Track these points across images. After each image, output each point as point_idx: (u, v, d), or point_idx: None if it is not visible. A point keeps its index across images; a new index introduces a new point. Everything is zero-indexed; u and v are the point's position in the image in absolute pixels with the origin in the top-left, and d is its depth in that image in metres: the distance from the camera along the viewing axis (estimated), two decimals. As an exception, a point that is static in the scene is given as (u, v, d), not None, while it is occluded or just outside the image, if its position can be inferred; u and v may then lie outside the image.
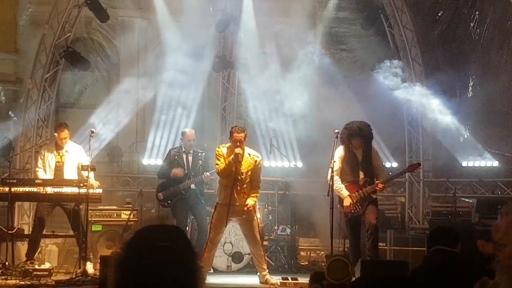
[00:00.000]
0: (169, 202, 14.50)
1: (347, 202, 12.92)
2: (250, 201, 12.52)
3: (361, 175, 13.05)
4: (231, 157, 12.32)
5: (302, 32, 18.05)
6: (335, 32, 18.57)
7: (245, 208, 12.49)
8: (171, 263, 2.68)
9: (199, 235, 14.31)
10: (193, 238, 14.24)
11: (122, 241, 2.83)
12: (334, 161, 12.93)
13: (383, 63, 18.01)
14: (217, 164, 12.54)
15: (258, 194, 12.88)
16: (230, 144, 12.58)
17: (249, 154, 12.63)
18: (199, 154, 14.46)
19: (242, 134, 12.46)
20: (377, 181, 13.05)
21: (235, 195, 12.40)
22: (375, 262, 13.29)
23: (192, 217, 14.77)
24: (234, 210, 12.40)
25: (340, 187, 13.02)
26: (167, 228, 2.88)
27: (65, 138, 13.89)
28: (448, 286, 5.85)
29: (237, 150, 12.28)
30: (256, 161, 12.63)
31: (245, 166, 12.47)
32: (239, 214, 12.54)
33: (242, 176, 12.44)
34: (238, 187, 12.44)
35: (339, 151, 13.23)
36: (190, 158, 14.46)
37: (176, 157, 14.57)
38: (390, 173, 18.37)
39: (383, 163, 13.50)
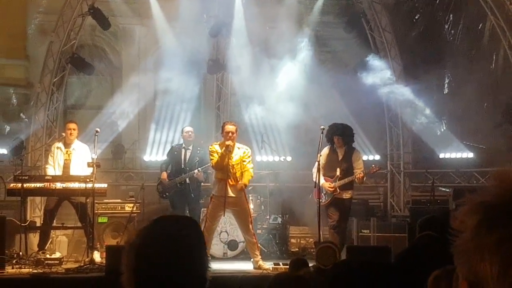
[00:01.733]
0: (166, 194, 14.59)
1: (325, 186, 13.41)
2: (244, 179, 12.72)
3: (337, 172, 13.33)
4: (223, 149, 12.49)
5: (290, 36, 18.12)
6: (320, 35, 18.67)
7: (239, 187, 12.65)
8: (185, 252, 2.74)
9: None
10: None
11: (137, 230, 2.88)
12: (320, 155, 13.19)
13: (364, 63, 18.15)
14: (212, 159, 12.73)
15: (251, 174, 13.01)
16: (222, 139, 12.75)
17: (239, 148, 12.84)
18: (198, 151, 14.51)
19: (233, 127, 12.69)
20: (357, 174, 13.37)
21: (229, 187, 12.52)
22: (360, 248, 13.49)
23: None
24: (228, 201, 12.47)
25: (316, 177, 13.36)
26: (182, 219, 2.96)
27: (73, 130, 13.98)
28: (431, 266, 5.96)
29: (228, 142, 12.48)
30: (244, 152, 12.84)
31: (236, 159, 12.65)
32: (233, 205, 12.66)
33: (234, 169, 12.62)
34: (231, 180, 12.59)
35: (325, 150, 13.66)
36: (188, 154, 14.49)
37: (175, 152, 14.69)
38: (373, 165, 18.66)
39: (361, 164, 13.65)
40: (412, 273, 5.13)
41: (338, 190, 13.39)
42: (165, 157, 15.64)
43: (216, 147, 12.74)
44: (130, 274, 2.70)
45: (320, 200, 13.43)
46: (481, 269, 1.71)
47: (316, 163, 13.16)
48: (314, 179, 13.43)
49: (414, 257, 6.21)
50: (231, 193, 12.55)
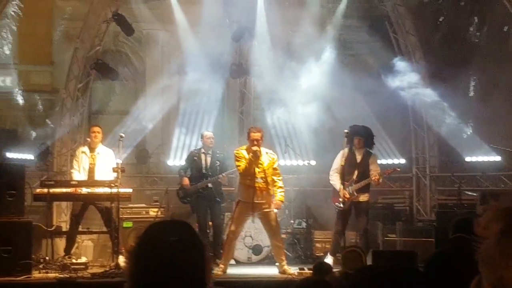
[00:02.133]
0: (188, 199, 14.57)
1: (340, 193, 13.51)
2: (279, 196, 12.66)
3: (355, 175, 13.36)
4: (250, 155, 12.39)
5: (312, 39, 18.09)
6: (343, 39, 18.61)
7: (276, 206, 12.67)
8: (179, 256, 2.76)
9: (214, 232, 14.45)
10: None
11: (135, 236, 2.89)
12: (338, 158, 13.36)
13: (388, 66, 18.08)
14: (238, 165, 12.59)
15: (283, 189, 12.92)
16: (248, 144, 12.65)
17: (266, 153, 12.73)
18: (217, 155, 14.49)
19: (259, 134, 12.56)
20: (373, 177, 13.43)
21: (257, 192, 12.43)
22: (386, 252, 13.45)
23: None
24: (256, 206, 12.45)
25: (335, 181, 13.68)
26: (176, 224, 2.96)
27: (98, 133, 14.04)
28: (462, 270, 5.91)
29: (254, 148, 12.38)
30: (273, 158, 12.75)
31: (264, 164, 12.54)
32: (260, 209, 12.55)
33: (262, 174, 12.50)
34: (259, 185, 12.46)
35: (342, 152, 13.71)
36: (209, 159, 14.47)
37: (195, 157, 14.64)
38: (398, 169, 18.60)
39: (377, 166, 13.68)
40: (441, 278, 5.10)
41: (356, 194, 13.42)
42: (183, 162, 15.65)
43: (243, 152, 12.60)
44: (130, 281, 2.73)
45: (339, 205, 13.57)
46: (505, 275, 1.71)
47: (333, 166, 13.55)
48: (332, 183, 13.64)
49: (444, 261, 6.16)
50: (259, 199, 12.48)
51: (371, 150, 13.99)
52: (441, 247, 7.10)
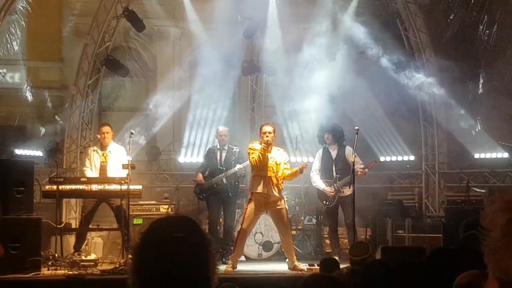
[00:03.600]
0: (204, 195, 14.47)
1: (327, 191, 13.80)
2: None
3: (334, 172, 13.58)
4: (263, 145, 12.38)
5: (324, 37, 18.08)
6: (355, 36, 18.56)
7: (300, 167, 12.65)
8: (183, 252, 2.70)
9: (224, 231, 14.38)
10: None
11: (139, 233, 2.87)
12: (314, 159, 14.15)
13: (399, 63, 18.07)
14: (252, 158, 12.53)
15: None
16: (260, 140, 12.65)
17: (278, 150, 12.81)
18: (233, 150, 14.39)
19: (271, 128, 12.63)
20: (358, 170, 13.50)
21: (270, 186, 12.42)
22: (394, 248, 13.45)
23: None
24: (269, 200, 12.46)
25: (318, 182, 14.03)
26: (180, 219, 2.87)
27: (107, 133, 13.99)
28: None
29: (266, 138, 12.39)
30: (284, 154, 12.86)
31: (276, 160, 12.55)
32: (275, 204, 12.55)
33: (275, 168, 12.51)
34: (273, 178, 12.47)
35: (319, 152, 14.24)
36: (224, 154, 14.38)
37: (211, 154, 14.60)
38: (408, 166, 18.60)
39: (358, 159, 13.74)
40: (448, 273, 5.09)
41: (342, 190, 13.51)
42: (201, 159, 15.65)
43: (256, 145, 12.63)
44: (134, 277, 2.72)
45: (326, 203, 13.86)
46: (511, 266, 1.71)
47: (313, 167, 13.99)
48: (314, 184, 14.04)
49: (445, 254, 6.15)
50: (272, 191, 12.46)
51: (344, 144, 14.10)
52: (455, 244, 7.07)
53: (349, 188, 13.41)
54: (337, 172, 13.67)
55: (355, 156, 13.30)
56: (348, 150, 13.84)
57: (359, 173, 13.42)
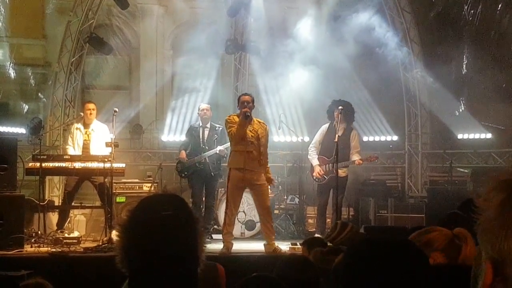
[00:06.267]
0: (185, 173, 14.41)
1: (315, 171, 13.88)
2: (269, 177, 12.25)
3: (334, 151, 13.21)
4: (240, 117, 11.90)
5: (308, 16, 18.05)
6: (339, 15, 18.49)
7: (269, 184, 12.37)
8: (171, 230, 2.74)
9: (205, 210, 14.22)
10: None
11: (127, 211, 2.87)
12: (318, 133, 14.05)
13: (383, 43, 18.08)
14: (230, 131, 12.01)
15: (268, 167, 12.43)
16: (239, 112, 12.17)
17: (259, 122, 12.38)
18: (216, 128, 14.21)
19: (249, 97, 12.16)
20: (356, 159, 13.55)
21: (248, 160, 11.88)
22: (377, 228, 13.52)
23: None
24: (247, 176, 11.94)
25: (312, 156, 14.06)
26: (168, 197, 2.89)
27: (93, 109, 14.04)
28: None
29: (245, 109, 11.90)
30: (265, 128, 12.37)
31: (258, 131, 12.05)
32: (252, 180, 12.02)
33: (255, 141, 11.97)
34: (252, 152, 11.90)
35: (323, 127, 14.14)
36: (206, 132, 14.24)
37: (193, 131, 14.46)
38: (391, 146, 18.62)
39: (360, 146, 13.77)
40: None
41: (334, 172, 13.20)
42: (183, 137, 15.57)
43: (234, 118, 12.11)
44: (122, 254, 2.72)
45: (316, 180, 13.97)
46: (505, 247, 1.70)
47: (313, 141, 14.08)
48: (309, 157, 14.12)
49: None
50: (250, 166, 11.96)
51: (352, 127, 14.06)
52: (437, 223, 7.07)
53: (344, 170, 13.49)
54: (337, 152, 13.44)
55: (353, 140, 13.44)
56: (354, 134, 13.90)
57: (356, 163, 13.44)
